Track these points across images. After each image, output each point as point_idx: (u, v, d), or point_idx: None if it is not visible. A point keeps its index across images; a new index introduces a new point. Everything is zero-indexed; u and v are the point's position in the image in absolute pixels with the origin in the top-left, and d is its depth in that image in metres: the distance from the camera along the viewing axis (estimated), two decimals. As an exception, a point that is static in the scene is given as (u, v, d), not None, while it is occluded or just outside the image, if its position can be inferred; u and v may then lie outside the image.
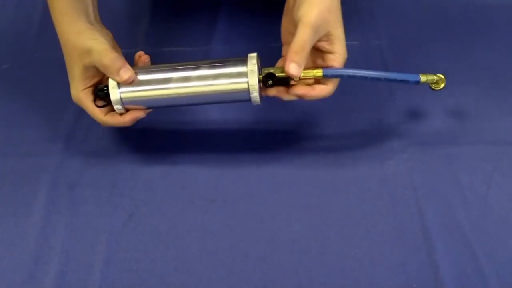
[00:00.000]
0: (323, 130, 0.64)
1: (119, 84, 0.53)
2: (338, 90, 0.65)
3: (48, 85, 0.70)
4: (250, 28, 0.74)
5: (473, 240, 0.54)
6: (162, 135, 0.65)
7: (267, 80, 0.51)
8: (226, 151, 0.62)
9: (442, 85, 0.54)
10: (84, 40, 0.52)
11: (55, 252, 0.55)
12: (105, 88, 0.54)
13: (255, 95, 0.52)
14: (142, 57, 0.57)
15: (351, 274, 0.52)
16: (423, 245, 0.54)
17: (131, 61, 0.57)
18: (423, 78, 0.53)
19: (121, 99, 0.54)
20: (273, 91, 0.53)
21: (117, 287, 0.53)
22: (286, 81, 0.51)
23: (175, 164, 0.62)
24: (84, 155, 0.63)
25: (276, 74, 0.51)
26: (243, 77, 0.51)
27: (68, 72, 0.55)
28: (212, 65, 0.53)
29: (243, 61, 0.52)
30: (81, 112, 0.57)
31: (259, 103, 0.53)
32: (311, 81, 0.53)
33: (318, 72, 0.51)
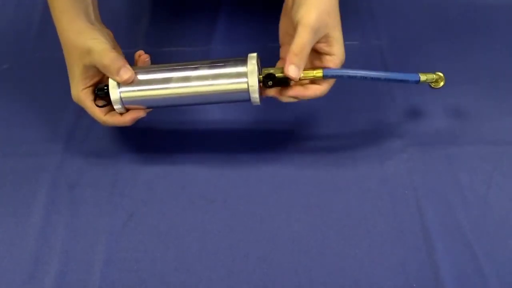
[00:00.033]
0: (323, 130, 0.64)
1: (119, 84, 0.53)
2: (338, 90, 0.65)
3: (48, 85, 0.70)
4: (250, 28, 0.74)
5: (473, 240, 0.54)
6: (162, 135, 0.65)
7: (267, 81, 0.51)
8: (226, 151, 0.62)
9: (441, 83, 0.54)
10: (84, 39, 0.52)
11: (55, 252, 0.55)
12: (105, 87, 0.54)
13: (255, 96, 0.52)
14: (142, 56, 0.57)
15: (351, 274, 0.52)
16: (423, 245, 0.54)
17: (131, 61, 0.57)
18: (422, 77, 0.53)
19: (121, 98, 0.54)
20: (271, 92, 0.54)
21: (117, 287, 0.53)
22: (285, 82, 0.51)
23: (175, 164, 0.62)
24: (84, 155, 0.63)
25: (276, 75, 0.51)
26: (243, 77, 0.51)
27: (68, 72, 0.55)
28: (212, 65, 0.53)
29: (243, 61, 0.52)
30: (81, 112, 0.57)
31: (259, 103, 0.53)
32: (306, 81, 0.53)
33: (318, 73, 0.51)
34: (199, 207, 0.58)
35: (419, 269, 0.52)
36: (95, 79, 0.55)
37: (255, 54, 0.52)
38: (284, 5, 0.55)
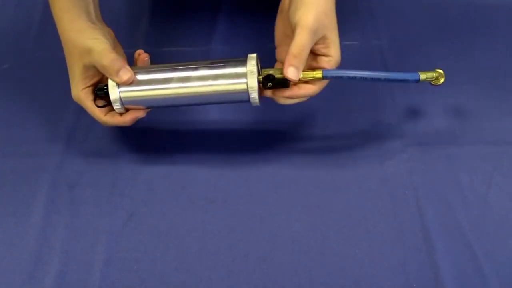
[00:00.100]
0: (323, 130, 0.64)
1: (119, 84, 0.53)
2: (338, 91, 0.65)
3: (48, 85, 0.70)
4: (250, 28, 0.74)
5: (473, 240, 0.54)
6: (162, 135, 0.65)
7: (266, 82, 0.51)
8: (226, 151, 0.62)
9: (442, 80, 0.54)
10: (85, 39, 0.52)
11: (55, 252, 0.55)
12: (105, 87, 0.54)
13: (254, 96, 0.52)
14: (142, 55, 0.57)
15: (351, 274, 0.52)
16: (423, 245, 0.54)
17: (131, 61, 0.57)
18: (422, 76, 0.52)
19: (120, 98, 0.54)
20: (267, 93, 0.53)
21: (117, 287, 0.53)
22: (285, 83, 0.51)
23: (175, 164, 0.62)
24: (84, 155, 0.63)
25: (276, 76, 0.51)
26: (243, 78, 0.51)
27: (68, 71, 0.55)
28: (211, 66, 0.53)
29: (243, 62, 0.52)
30: (81, 112, 0.57)
31: (259, 104, 0.53)
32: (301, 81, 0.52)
33: (318, 74, 0.51)
34: (199, 207, 0.58)
35: (419, 269, 0.52)
36: (95, 79, 0.55)
37: (254, 55, 0.52)
38: (280, 5, 0.54)
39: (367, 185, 0.58)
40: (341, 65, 0.52)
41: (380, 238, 0.54)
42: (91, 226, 0.57)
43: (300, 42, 0.48)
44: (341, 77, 0.51)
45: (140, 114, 0.56)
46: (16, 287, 0.53)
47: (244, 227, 0.56)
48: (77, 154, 0.63)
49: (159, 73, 0.54)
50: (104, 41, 0.53)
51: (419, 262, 0.53)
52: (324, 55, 0.51)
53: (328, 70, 0.51)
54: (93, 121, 0.56)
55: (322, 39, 0.50)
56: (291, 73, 0.49)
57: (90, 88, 0.55)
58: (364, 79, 0.51)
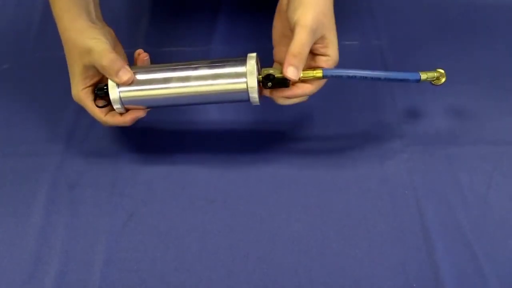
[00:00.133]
0: (323, 130, 0.64)
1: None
2: (338, 90, 0.65)
3: (48, 85, 0.70)
4: (250, 28, 0.74)
5: (473, 240, 0.54)
6: (162, 135, 0.65)
7: (266, 82, 0.51)
8: (226, 152, 0.62)
9: (443, 80, 0.53)
10: (85, 39, 0.52)
11: (55, 252, 0.55)
12: (105, 87, 0.54)
13: (254, 96, 0.52)
14: (141, 55, 0.57)
15: (351, 274, 0.52)
16: (423, 245, 0.54)
17: (131, 62, 0.57)
18: (423, 76, 0.52)
19: (120, 98, 0.54)
20: (266, 92, 0.53)
21: (117, 287, 0.53)
22: (284, 83, 0.51)
23: (175, 164, 0.62)
24: (84, 155, 0.63)
25: (276, 76, 0.51)
26: (242, 77, 0.51)
27: (69, 71, 0.55)
28: (211, 65, 0.53)
29: (243, 61, 0.52)
30: (81, 112, 0.57)
31: (258, 103, 0.53)
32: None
33: (318, 73, 0.51)
34: (199, 207, 0.58)
35: (419, 269, 0.52)
36: (95, 79, 0.55)
37: (254, 54, 0.52)
38: (278, 6, 0.54)
39: (367, 185, 0.58)
40: (341, 65, 0.52)
41: (380, 238, 0.54)
42: (91, 226, 0.57)
43: (300, 42, 0.48)
44: (340, 76, 0.51)
45: (140, 114, 0.56)
46: (16, 287, 0.53)
47: (244, 227, 0.56)
48: (77, 154, 0.63)
49: (159, 72, 0.54)
50: (104, 41, 0.53)
51: (419, 262, 0.53)
52: (322, 55, 0.51)
53: (328, 69, 0.51)
54: (93, 121, 0.56)
55: (321, 39, 0.50)
56: (291, 72, 0.49)
57: (90, 88, 0.55)
58: (364, 78, 0.51)
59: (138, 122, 0.56)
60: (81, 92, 0.54)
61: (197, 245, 0.55)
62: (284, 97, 0.53)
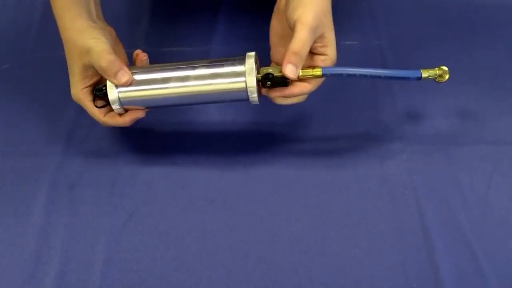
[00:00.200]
0: (323, 130, 0.64)
1: None
2: (338, 90, 0.65)
3: (48, 85, 0.70)
4: (250, 28, 0.74)
5: (473, 240, 0.54)
6: (162, 135, 0.65)
7: (265, 81, 0.51)
8: (226, 152, 0.62)
9: (446, 77, 0.52)
10: (85, 39, 0.52)
11: (55, 252, 0.55)
12: (104, 87, 0.54)
13: (253, 95, 0.52)
14: (140, 55, 0.56)
15: (351, 274, 0.52)
16: (423, 245, 0.54)
17: (131, 62, 0.57)
18: (424, 73, 0.51)
19: (119, 99, 0.53)
20: (264, 91, 0.53)
21: (117, 287, 0.53)
22: (284, 82, 0.51)
23: (175, 164, 0.62)
24: (84, 155, 0.63)
25: (275, 75, 0.51)
26: (241, 76, 0.51)
27: (68, 70, 0.55)
28: (210, 65, 0.52)
29: (241, 61, 0.52)
30: (81, 112, 0.57)
31: (258, 103, 0.53)
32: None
33: (317, 71, 0.50)
34: (199, 207, 0.58)
35: (419, 269, 0.52)
36: (95, 79, 0.55)
37: (253, 53, 0.52)
38: (276, 5, 0.54)
39: (367, 185, 0.58)
40: (341, 65, 0.52)
41: (380, 238, 0.54)
42: (91, 226, 0.57)
43: (301, 39, 0.48)
44: (340, 75, 0.51)
45: (140, 114, 0.55)
46: (16, 287, 0.53)
47: (244, 227, 0.56)
48: (77, 154, 0.63)
49: (158, 73, 0.54)
50: (104, 42, 0.52)
51: (419, 262, 0.53)
52: (321, 54, 0.51)
53: (328, 67, 0.51)
54: (93, 121, 0.56)
55: (320, 38, 0.50)
56: (290, 70, 0.49)
57: (90, 88, 0.55)
58: (364, 76, 0.51)
59: (138, 122, 0.56)
60: (80, 92, 0.54)
61: (197, 245, 0.55)
62: (281, 96, 0.53)
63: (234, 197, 0.58)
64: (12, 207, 0.59)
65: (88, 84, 0.54)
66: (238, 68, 0.51)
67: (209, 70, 0.52)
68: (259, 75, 0.51)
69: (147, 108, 0.56)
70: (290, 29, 0.49)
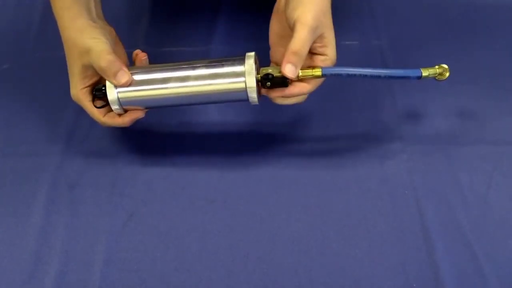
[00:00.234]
0: (323, 130, 0.64)
1: None
2: (338, 90, 0.65)
3: (48, 85, 0.70)
4: (250, 28, 0.74)
5: (473, 240, 0.54)
6: (162, 135, 0.65)
7: (265, 82, 0.51)
8: (226, 152, 0.62)
9: (447, 75, 0.52)
10: (84, 38, 0.52)
11: (55, 252, 0.55)
12: (103, 88, 0.53)
13: (253, 95, 0.52)
14: (139, 55, 0.56)
15: (351, 274, 0.52)
16: (423, 245, 0.54)
17: (131, 62, 0.57)
18: (424, 72, 0.51)
19: (118, 99, 0.53)
20: (264, 91, 0.53)
21: (117, 287, 0.53)
22: (284, 82, 0.51)
23: (175, 165, 0.62)
24: (84, 155, 0.63)
25: (274, 75, 0.51)
26: (241, 77, 0.51)
27: (68, 69, 0.55)
28: (210, 65, 0.52)
29: (241, 61, 0.52)
30: (81, 112, 0.57)
31: (257, 103, 0.53)
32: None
33: (317, 71, 0.50)
34: (199, 208, 0.58)
35: (419, 269, 0.52)
36: (94, 79, 0.55)
37: (252, 53, 0.52)
38: (276, 5, 0.54)
39: (367, 185, 0.58)
40: (340, 65, 0.52)
41: (380, 238, 0.54)
42: (91, 226, 0.57)
43: (300, 39, 0.48)
44: (340, 75, 0.50)
45: (139, 114, 0.55)
46: (16, 287, 0.53)
47: (244, 227, 0.56)
48: (77, 154, 0.63)
49: (157, 73, 0.53)
50: (103, 41, 0.52)
51: (419, 262, 0.53)
52: (320, 54, 0.51)
53: (327, 67, 0.50)
54: (93, 121, 0.56)
55: (320, 38, 0.50)
56: (289, 70, 0.49)
57: (89, 88, 0.55)
58: (364, 76, 0.51)
59: (138, 122, 0.56)
60: (79, 92, 0.54)
61: (197, 245, 0.55)
62: (281, 96, 0.52)
63: (234, 197, 0.58)
64: (12, 207, 0.59)
65: (87, 84, 0.54)
66: (237, 68, 0.51)
67: (208, 70, 0.52)
68: (259, 76, 0.51)
69: (146, 108, 0.56)
70: (290, 29, 0.49)
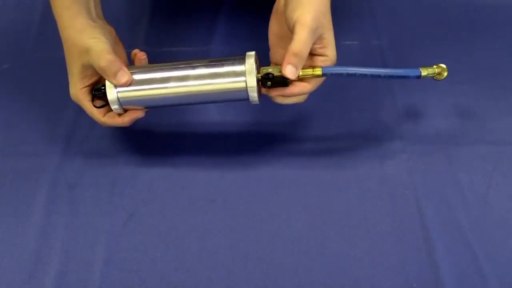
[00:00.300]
0: (323, 130, 0.64)
1: None
2: (338, 90, 0.65)
3: (48, 85, 0.70)
4: (250, 28, 0.74)
5: (473, 240, 0.54)
6: (162, 135, 0.65)
7: (265, 81, 0.51)
8: (226, 152, 0.62)
9: (445, 74, 0.52)
10: (84, 38, 0.52)
11: (55, 252, 0.55)
12: (103, 87, 0.53)
13: (254, 95, 0.52)
14: (138, 54, 0.56)
15: (351, 274, 0.52)
16: (423, 245, 0.54)
17: (131, 62, 0.57)
18: (424, 72, 0.51)
19: (118, 99, 0.53)
20: (264, 91, 0.53)
21: (117, 287, 0.53)
22: (284, 82, 0.51)
23: (175, 165, 0.62)
24: (84, 155, 0.63)
25: (275, 74, 0.51)
26: (241, 76, 0.51)
27: (67, 69, 0.55)
28: (210, 64, 0.52)
29: (241, 60, 0.52)
30: (81, 112, 0.57)
31: (258, 103, 0.53)
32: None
33: (317, 71, 0.50)
34: (199, 208, 0.58)
35: (419, 269, 0.52)
36: (94, 79, 0.55)
37: (253, 53, 0.52)
38: (275, 6, 0.54)
39: (367, 185, 0.58)
40: (341, 65, 0.52)
41: (380, 238, 0.54)
42: (91, 226, 0.57)
43: (301, 40, 0.48)
44: (340, 74, 0.50)
45: (139, 114, 0.55)
46: (16, 287, 0.53)
47: (244, 227, 0.56)
48: (77, 154, 0.63)
49: (157, 72, 0.53)
50: (103, 41, 0.52)
51: (419, 262, 0.53)
52: (320, 55, 0.51)
53: (328, 67, 0.50)
54: (93, 121, 0.56)
55: (320, 39, 0.50)
56: (289, 71, 0.49)
57: (89, 88, 0.55)
58: (364, 76, 0.51)
59: (138, 122, 0.56)
60: (79, 92, 0.54)
61: (197, 245, 0.55)
62: (281, 96, 0.52)
63: (234, 197, 0.58)
64: (12, 207, 0.59)
65: (87, 83, 0.54)
66: (238, 68, 0.51)
67: (208, 69, 0.52)
68: (259, 75, 0.51)
69: (146, 108, 0.56)
70: (289, 30, 0.49)
